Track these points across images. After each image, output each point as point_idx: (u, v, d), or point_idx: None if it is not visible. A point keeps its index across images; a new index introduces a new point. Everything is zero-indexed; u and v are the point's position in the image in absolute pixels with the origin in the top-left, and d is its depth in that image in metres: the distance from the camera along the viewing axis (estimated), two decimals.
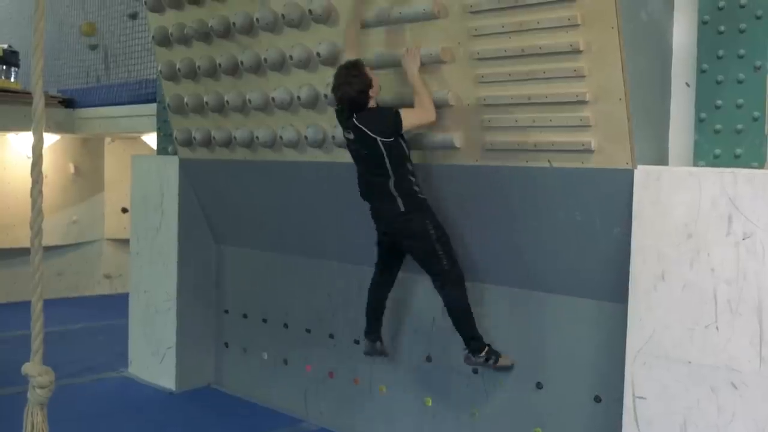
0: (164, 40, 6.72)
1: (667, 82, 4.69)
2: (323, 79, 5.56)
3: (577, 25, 4.26)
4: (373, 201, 5.23)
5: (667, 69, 4.68)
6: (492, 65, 4.68)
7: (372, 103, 5.03)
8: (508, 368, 5.27)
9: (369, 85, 4.95)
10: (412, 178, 5.05)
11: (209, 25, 6.19)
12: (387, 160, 4.97)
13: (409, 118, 4.92)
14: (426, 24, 4.89)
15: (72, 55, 12.16)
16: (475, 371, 5.46)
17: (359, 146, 5.07)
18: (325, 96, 5.52)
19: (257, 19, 5.78)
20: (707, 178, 4.10)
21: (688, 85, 4.60)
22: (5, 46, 11.54)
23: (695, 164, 4.47)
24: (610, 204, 4.51)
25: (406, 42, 5.02)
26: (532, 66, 4.50)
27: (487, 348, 5.16)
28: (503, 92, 4.68)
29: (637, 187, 4.33)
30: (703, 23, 4.45)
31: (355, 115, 5.01)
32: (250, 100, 6.15)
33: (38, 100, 3.35)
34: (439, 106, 4.93)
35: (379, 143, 4.94)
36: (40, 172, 3.43)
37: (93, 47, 11.74)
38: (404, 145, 5.02)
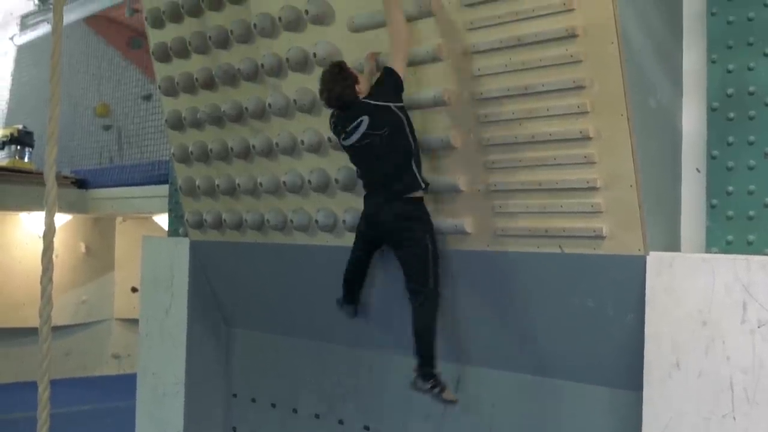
0: (177, 124, 6.79)
1: (678, 168, 4.69)
2: (334, 164, 5.59)
3: (587, 112, 4.28)
4: (382, 185, 5.02)
5: (677, 155, 4.69)
6: (502, 151, 4.70)
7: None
8: (452, 402, 5.16)
9: (355, 81, 4.90)
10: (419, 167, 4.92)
11: (222, 109, 6.26)
12: (407, 127, 4.83)
13: (398, 64, 4.78)
14: (435, 111, 4.93)
15: (86, 135, 12.34)
16: None
17: (372, 131, 4.85)
18: (336, 181, 5.54)
19: (269, 104, 5.85)
20: (720, 264, 4.07)
21: (698, 171, 4.60)
22: (20, 126, 11.72)
23: (708, 250, 4.44)
24: (622, 290, 4.47)
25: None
26: (542, 152, 4.51)
27: (435, 377, 5.01)
28: (514, 178, 4.69)
29: (649, 274, 4.29)
30: (712, 110, 4.47)
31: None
32: (261, 184, 6.18)
33: (50, 187, 3.38)
34: (450, 191, 4.94)
35: (394, 110, 4.81)
36: (51, 259, 3.43)
37: (107, 128, 11.91)
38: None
